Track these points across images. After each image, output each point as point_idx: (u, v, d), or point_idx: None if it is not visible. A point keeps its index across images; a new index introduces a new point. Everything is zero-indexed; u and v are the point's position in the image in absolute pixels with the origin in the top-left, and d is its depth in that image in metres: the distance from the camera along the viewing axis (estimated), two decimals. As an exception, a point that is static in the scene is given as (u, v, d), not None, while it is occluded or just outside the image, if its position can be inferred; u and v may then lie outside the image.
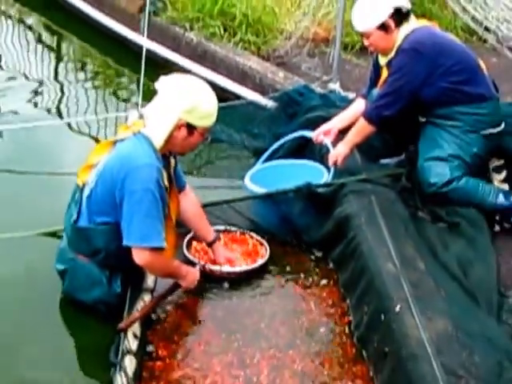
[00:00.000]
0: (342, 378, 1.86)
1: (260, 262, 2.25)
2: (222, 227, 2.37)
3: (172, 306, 2.08)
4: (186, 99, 1.92)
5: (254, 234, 2.38)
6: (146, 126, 1.97)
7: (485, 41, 3.00)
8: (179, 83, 1.97)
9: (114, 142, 2.01)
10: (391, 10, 2.36)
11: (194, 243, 2.31)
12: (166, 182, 1.98)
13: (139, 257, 1.90)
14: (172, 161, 2.08)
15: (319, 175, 2.50)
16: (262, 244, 2.34)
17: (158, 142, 1.95)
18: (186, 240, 2.28)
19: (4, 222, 2.39)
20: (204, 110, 1.95)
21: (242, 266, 2.23)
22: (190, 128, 1.94)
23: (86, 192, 1.99)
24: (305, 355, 1.92)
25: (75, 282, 2.04)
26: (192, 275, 2.07)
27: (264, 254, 2.30)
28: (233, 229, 2.39)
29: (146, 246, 1.89)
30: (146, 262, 1.91)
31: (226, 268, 2.20)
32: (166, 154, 2.02)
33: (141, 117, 1.96)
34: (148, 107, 2.00)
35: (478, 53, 2.64)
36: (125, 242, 1.90)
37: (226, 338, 1.97)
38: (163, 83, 1.96)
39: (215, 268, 2.18)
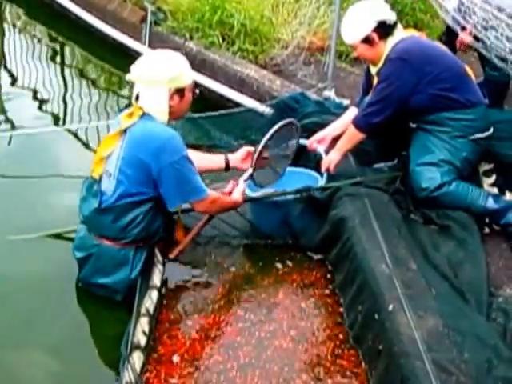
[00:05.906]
0: (338, 376, 1.90)
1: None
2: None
3: (180, 306, 2.14)
4: (167, 72, 2.05)
5: None
6: (146, 109, 2.07)
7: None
8: (152, 63, 2.07)
9: (124, 131, 2.08)
10: (374, 24, 2.40)
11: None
12: None
13: (202, 208, 2.15)
14: None
15: (313, 182, 2.52)
16: None
17: (164, 119, 2.08)
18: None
19: (12, 224, 2.44)
20: (183, 71, 2.09)
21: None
22: (180, 92, 2.09)
23: (112, 181, 2.05)
24: (303, 354, 1.97)
25: (99, 264, 2.09)
26: (237, 198, 2.26)
27: None
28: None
29: (203, 198, 2.10)
30: (208, 208, 2.18)
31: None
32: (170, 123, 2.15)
33: (136, 98, 2.09)
34: (139, 97, 2.07)
35: (467, 61, 2.67)
36: (186, 202, 2.12)
37: (227, 336, 2.02)
38: (136, 71, 2.07)
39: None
